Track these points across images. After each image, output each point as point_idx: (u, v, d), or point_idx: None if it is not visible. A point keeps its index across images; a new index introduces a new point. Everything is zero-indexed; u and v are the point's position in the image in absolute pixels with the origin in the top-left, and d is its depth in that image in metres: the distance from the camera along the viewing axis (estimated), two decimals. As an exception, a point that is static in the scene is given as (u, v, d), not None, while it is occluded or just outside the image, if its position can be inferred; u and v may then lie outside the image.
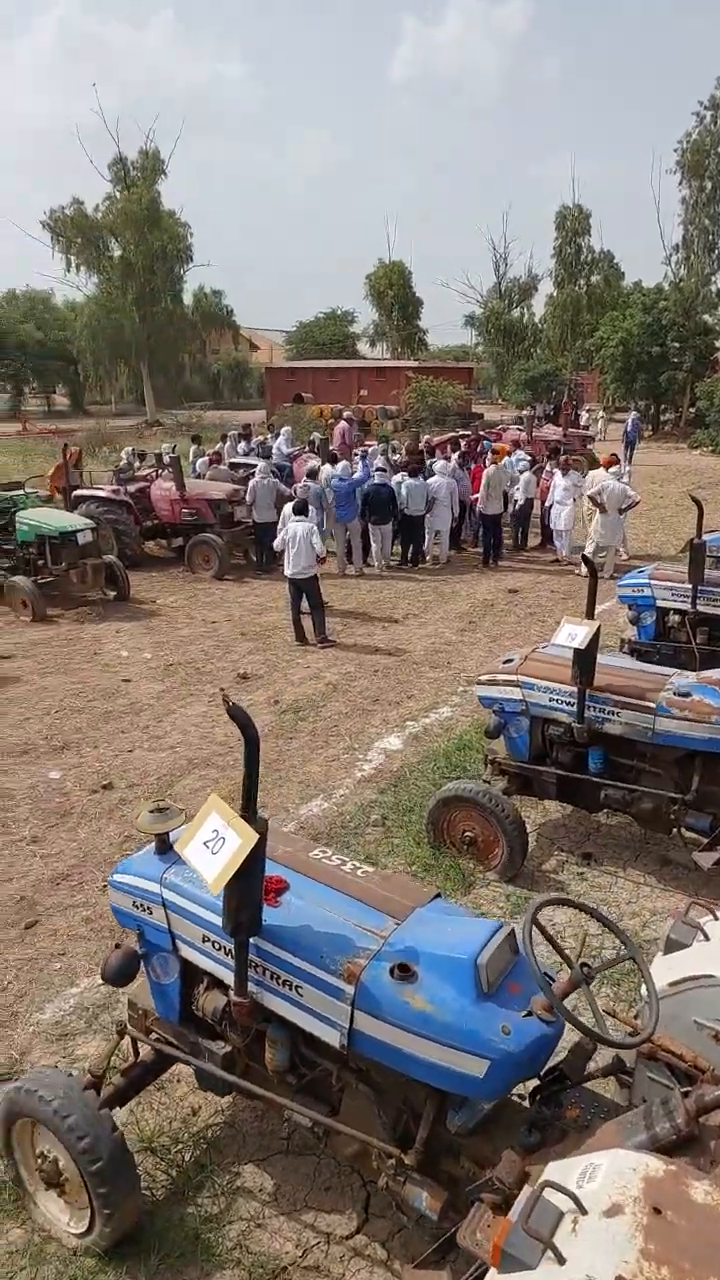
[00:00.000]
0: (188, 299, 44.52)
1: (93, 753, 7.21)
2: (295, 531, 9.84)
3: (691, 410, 36.12)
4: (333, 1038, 2.79)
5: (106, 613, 11.38)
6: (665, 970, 3.06)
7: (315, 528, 10.03)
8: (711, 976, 2.92)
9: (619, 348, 35.42)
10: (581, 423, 28.18)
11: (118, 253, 40.51)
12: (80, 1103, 3.03)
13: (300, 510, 10.19)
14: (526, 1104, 2.90)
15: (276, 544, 10.49)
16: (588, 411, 32.85)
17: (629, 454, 29.95)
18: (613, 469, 13.17)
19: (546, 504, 14.89)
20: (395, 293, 55.89)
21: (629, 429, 31.72)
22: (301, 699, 8.44)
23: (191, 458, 17.82)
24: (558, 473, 14.15)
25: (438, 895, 3.11)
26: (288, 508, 10.94)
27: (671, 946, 3.19)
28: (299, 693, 8.62)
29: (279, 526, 11.12)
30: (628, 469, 13.61)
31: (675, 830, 5.37)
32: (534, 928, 2.63)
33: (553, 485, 14.20)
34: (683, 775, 5.27)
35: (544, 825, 6.17)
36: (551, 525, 14.61)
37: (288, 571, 9.99)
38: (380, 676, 9.12)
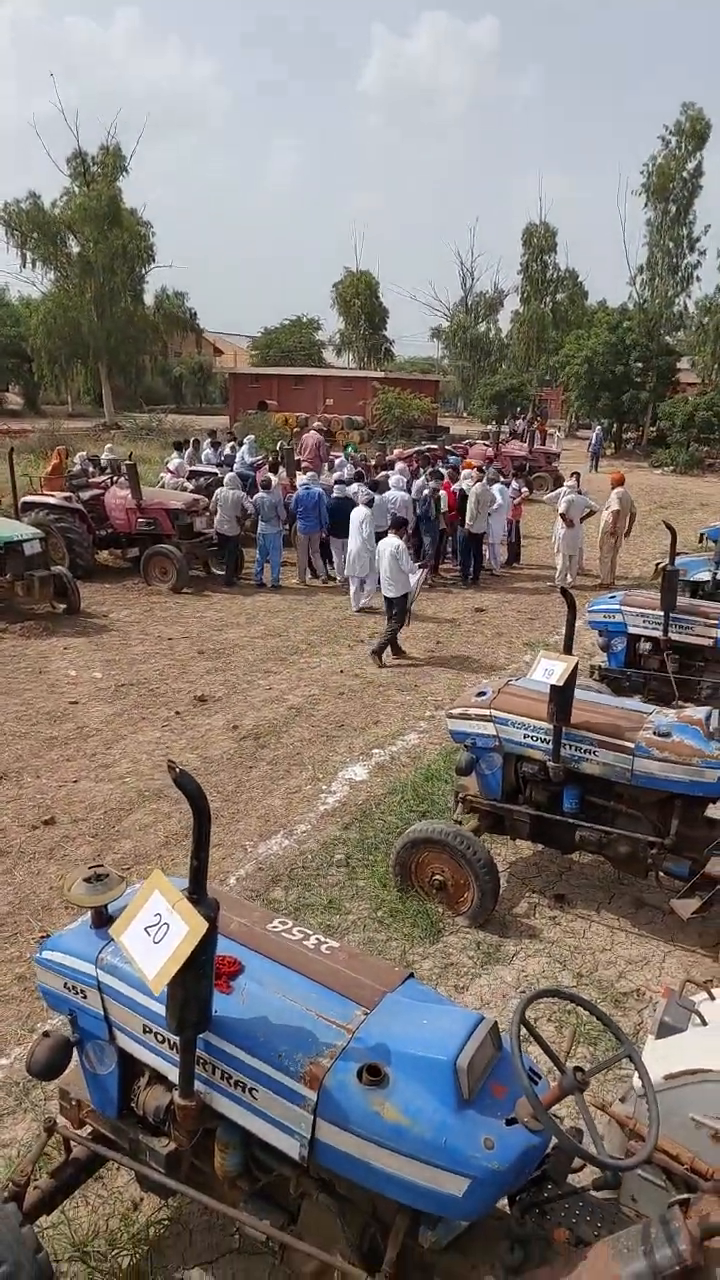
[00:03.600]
0: (149, 300, 43.73)
1: (34, 783, 6.74)
2: (381, 551, 9.89)
3: (653, 429, 36.53)
4: (291, 1148, 2.45)
5: (55, 627, 10.84)
6: (659, 1059, 2.77)
7: (402, 545, 9.83)
8: (711, 1071, 2.64)
9: (583, 366, 35.70)
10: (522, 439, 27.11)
11: (76, 249, 39.61)
12: (-1, 1220, 2.63)
13: (423, 519, 10.63)
14: (507, 1211, 2.58)
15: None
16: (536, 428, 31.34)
17: (594, 465, 30.24)
18: (569, 483, 13.64)
19: (512, 520, 15.15)
20: (362, 302, 55.84)
21: (594, 443, 32.07)
22: (262, 724, 8.06)
23: (174, 464, 17.27)
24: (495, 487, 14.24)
25: (410, 976, 2.78)
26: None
27: (664, 1030, 2.91)
28: (260, 717, 8.23)
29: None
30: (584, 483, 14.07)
31: (652, 874, 5.12)
32: (521, 1026, 2.32)
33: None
34: (661, 818, 5.03)
35: (515, 864, 5.88)
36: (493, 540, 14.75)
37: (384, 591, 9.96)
38: (345, 699, 8.78)
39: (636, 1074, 2.45)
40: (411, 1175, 2.27)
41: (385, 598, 9.99)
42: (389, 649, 10.03)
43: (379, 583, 10.21)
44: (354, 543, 11.68)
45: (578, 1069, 2.26)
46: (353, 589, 12.30)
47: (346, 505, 13.05)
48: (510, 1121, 2.31)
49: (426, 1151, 2.25)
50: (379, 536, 10.80)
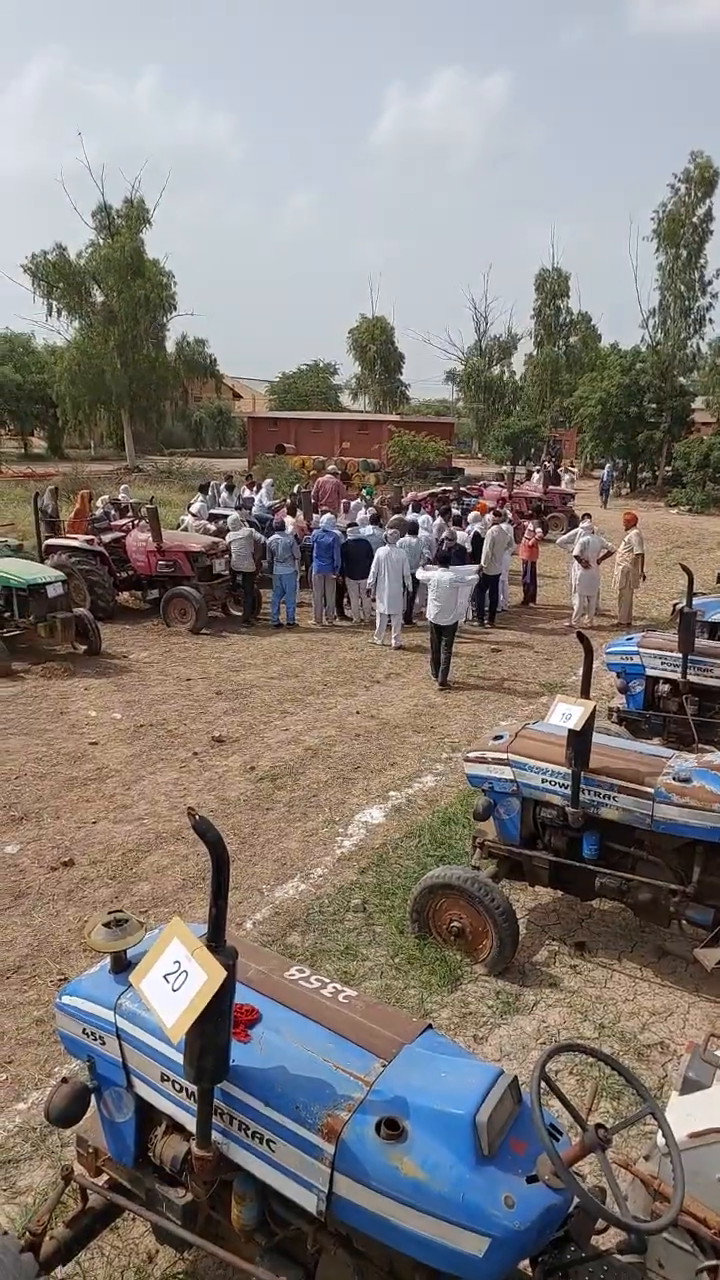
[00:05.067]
0: (170, 347, 44.72)
1: (54, 824, 6.77)
2: (441, 581, 10.43)
3: (668, 469, 36.69)
4: (309, 1202, 2.42)
5: (75, 668, 10.95)
6: (683, 1115, 2.72)
7: (463, 578, 10.76)
8: (738, 1129, 2.59)
9: (597, 407, 36.03)
10: (532, 481, 26.96)
11: (100, 299, 40.75)
12: (14, 1271, 2.61)
13: (443, 560, 11.13)
14: (529, 1274, 2.53)
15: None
16: (564, 468, 32.07)
17: (605, 501, 30.46)
18: (583, 525, 13.69)
19: (528, 561, 15.26)
20: (378, 347, 56.86)
21: (605, 479, 32.37)
22: (279, 765, 8.07)
23: (196, 507, 17.72)
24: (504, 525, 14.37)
25: (428, 1027, 2.77)
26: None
27: (689, 1086, 2.86)
28: (276, 758, 8.25)
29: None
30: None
31: (675, 923, 5.05)
32: (542, 1081, 2.30)
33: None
34: (683, 865, 4.97)
35: (535, 910, 5.81)
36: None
37: (430, 616, 10.61)
38: (362, 741, 8.79)
39: (660, 1132, 2.42)
40: (430, 1232, 2.23)
41: (437, 626, 10.50)
42: (442, 675, 10.66)
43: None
44: (390, 582, 12.11)
45: (600, 1126, 2.23)
46: (380, 626, 12.64)
47: (363, 547, 13.23)
48: (531, 1179, 2.28)
49: (445, 1208, 2.22)
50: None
